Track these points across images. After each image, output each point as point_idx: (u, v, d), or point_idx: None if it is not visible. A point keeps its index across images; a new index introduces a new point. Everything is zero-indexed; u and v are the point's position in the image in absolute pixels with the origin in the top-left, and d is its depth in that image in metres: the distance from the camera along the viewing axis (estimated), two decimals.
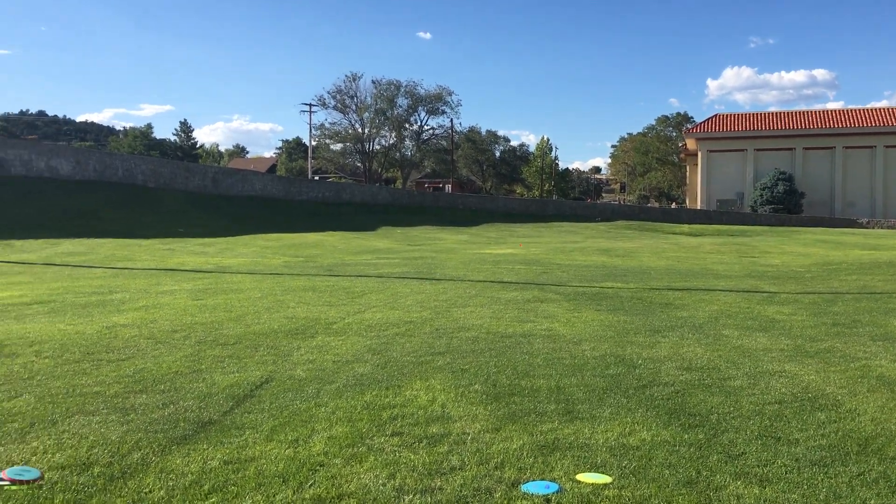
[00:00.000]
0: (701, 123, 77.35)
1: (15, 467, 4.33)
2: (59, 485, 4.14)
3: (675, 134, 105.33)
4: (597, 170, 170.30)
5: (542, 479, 4.24)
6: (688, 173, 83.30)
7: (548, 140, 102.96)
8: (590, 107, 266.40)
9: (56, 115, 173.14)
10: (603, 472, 4.36)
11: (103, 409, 5.70)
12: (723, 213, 64.94)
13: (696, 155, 74.91)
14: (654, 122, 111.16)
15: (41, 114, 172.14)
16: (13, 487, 4.08)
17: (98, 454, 4.65)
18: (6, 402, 5.85)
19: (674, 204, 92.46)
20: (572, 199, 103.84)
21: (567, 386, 6.47)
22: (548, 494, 4.01)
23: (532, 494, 4.01)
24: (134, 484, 4.17)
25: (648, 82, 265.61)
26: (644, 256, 25.33)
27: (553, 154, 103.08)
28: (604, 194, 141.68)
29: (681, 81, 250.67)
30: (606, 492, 4.06)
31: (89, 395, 6.08)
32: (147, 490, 4.08)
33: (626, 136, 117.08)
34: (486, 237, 42.28)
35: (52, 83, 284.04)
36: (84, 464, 4.47)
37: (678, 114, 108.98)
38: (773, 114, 75.63)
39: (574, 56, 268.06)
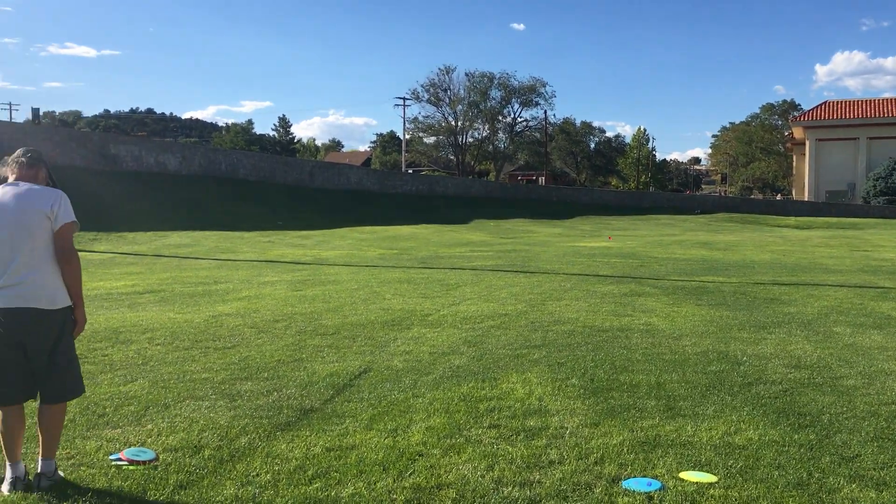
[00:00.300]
0: (809, 111, 74.12)
1: (132, 448, 4.54)
2: (173, 466, 4.32)
3: (780, 122, 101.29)
4: (696, 161, 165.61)
5: (644, 476, 4.16)
6: (794, 163, 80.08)
7: (644, 130, 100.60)
8: (689, 96, 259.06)
9: (163, 113, 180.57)
10: (707, 471, 4.24)
11: (212, 394, 5.92)
12: (832, 205, 62.17)
13: (804, 144, 71.86)
14: (758, 111, 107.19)
15: (150, 111, 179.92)
16: (131, 467, 4.28)
17: (208, 438, 4.83)
18: (123, 386, 6.15)
19: (779, 195, 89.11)
20: (670, 190, 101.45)
21: (667, 382, 6.33)
22: (650, 492, 3.93)
23: (633, 491, 3.94)
24: (242, 467, 4.32)
25: (752, 69, 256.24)
26: (747, 250, 24.52)
27: (650, 145, 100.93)
28: (703, 186, 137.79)
29: (787, 67, 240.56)
30: (712, 491, 3.95)
31: (198, 381, 6.32)
32: (254, 474, 4.22)
33: (727, 125, 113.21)
34: (581, 230, 41.80)
35: (160, 82, 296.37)
36: (195, 447, 4.66)
37: (784, 101, 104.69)
38: (888, 100, 71.71)
39: (672, 43, 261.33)
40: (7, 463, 4.02)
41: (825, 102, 73.36)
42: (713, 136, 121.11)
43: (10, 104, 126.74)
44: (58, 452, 4.51)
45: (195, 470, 4.27)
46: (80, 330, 4.21)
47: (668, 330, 8.88)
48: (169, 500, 3.87)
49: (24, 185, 4.09)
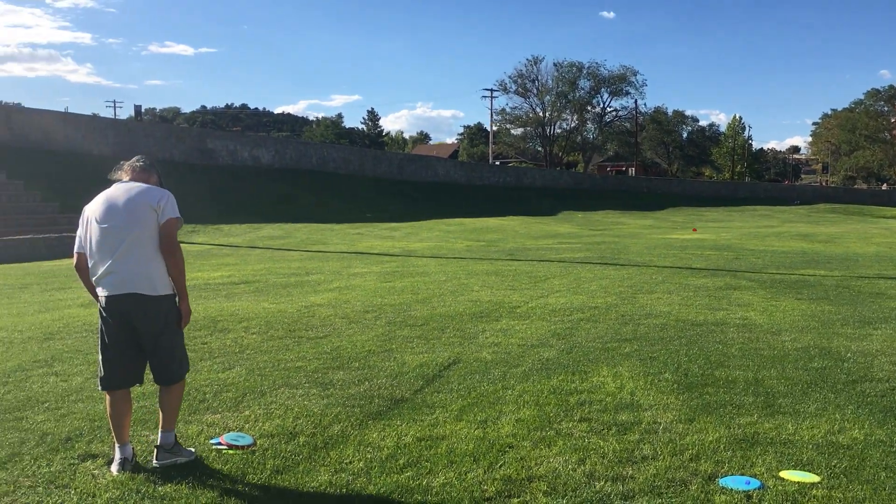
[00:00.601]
0: None
1: (231, 433, 4.69)
2: (270, 451, 4.44)
3: (886, 109, 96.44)
4: (795, 150, 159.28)
5: (742, 475, 4.04)
6: None
7: (740, 119, 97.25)
8: (787, 82, 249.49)
9: (257, 108, 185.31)
10: (810, 471, 4.09)
11: (305, 382, 6.05)
12: None
13: None
14: (862, 97, 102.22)
15: (244, 107, 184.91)
16: (230, 451, 4.43)
17: (302, 425, 4.95)
18: (221, 374, 6.37)
19: (885, 185, 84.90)
20: (767, 181, 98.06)
21: (766, 378, 6.13)
22: (749, 490, 3.81)
23: (731, 489, 3.83)
24: (335, 455, 4.40)
25: (855, 53, 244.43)
26: (850, 242, 23.51)
27: (746, 134, 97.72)
28: (802, 176, 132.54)
29: (893, 50, 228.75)
30: (814, 492, 3.80)
31: (292, 370, 6.48)
32: (347, 461, 4.29)
33: (829, 112, 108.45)
34: (672, 221, 40.90)
35: (254, 78, 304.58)
36: (290, 433, 4.77)
37: (891, 86, 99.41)
38: None
39: (769, 27, 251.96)
40: (116, 444, 4.20)
41: None
42: (814, 123, 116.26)
43: (114, 102, 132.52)
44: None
45: (290, 456, 4.38)
46: (186, 322, 4.37)
47: (766, 325, 8.60)
48: (266, 484, 3.98)
49: (134, 183, 4.34)
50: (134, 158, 4.56)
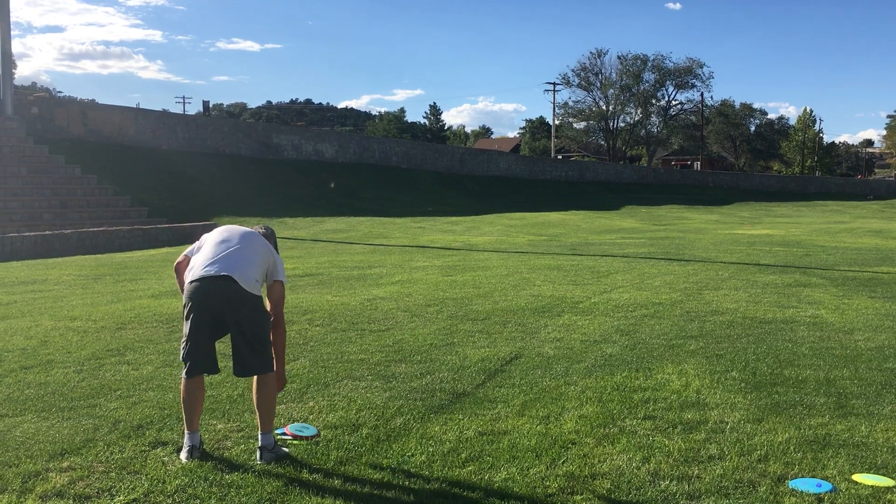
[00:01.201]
0: None
1: (296, 424, 4.77)
2: (333, 443, 4.50)
3: None
4: (868, 143, 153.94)
5: (813, 477, 3.93)
6: None
7: (811, 112, 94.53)
8: (860, 74, 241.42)
9: (321, 103, 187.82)
10: (884, 475, 3.95)
11: (368, 375, 6.11)
12: None
13: None
14: None
15: (308, 102, 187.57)
16: (294, 442, 4.50)
17: (365, 417, 4.99)
18: (286, 365, 6.46)
19: None
20: (838, 175, 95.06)
21: (838, 378, 5.95)
22: (820, 493, 3.70)
23: (801, 492, 3.73)
24: (398, 447, 4.43)
25: None
26: None
27: (816, 127, 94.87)
28: (877, 170, 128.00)
29: None
30: (889, 496, 3.68)
31: (355, 362, 6.55)
32: (409, 454, 4.32)
33: None
34: (739, 217, 39.98)
35: (318, 73, 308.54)
36: (353, 425, 4.83)
37: None
38: None
39: (842, 16, 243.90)
40: (186, 431, 4.31)
41: None
42: (888, 116, 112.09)
43: (183, 98, 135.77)
44: (228, 425, 4.81)
45: (354, 448, 4.42)
46: (281, 388, 4.56)
47: (838, 323, 8.34)
48: (330, 474, 4.03)
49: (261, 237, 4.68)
50: (259, 226, 4.91)
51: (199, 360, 4.31)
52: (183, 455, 4.23)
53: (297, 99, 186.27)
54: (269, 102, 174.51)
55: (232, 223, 4.49)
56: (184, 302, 4.33)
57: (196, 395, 4.33)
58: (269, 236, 4.77)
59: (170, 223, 22.65)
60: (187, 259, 4.50)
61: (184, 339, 4.33)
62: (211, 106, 61.47)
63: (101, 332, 7.94)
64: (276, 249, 4.71)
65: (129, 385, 5.81)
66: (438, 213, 33.39)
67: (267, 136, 39.70)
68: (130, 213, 23.58)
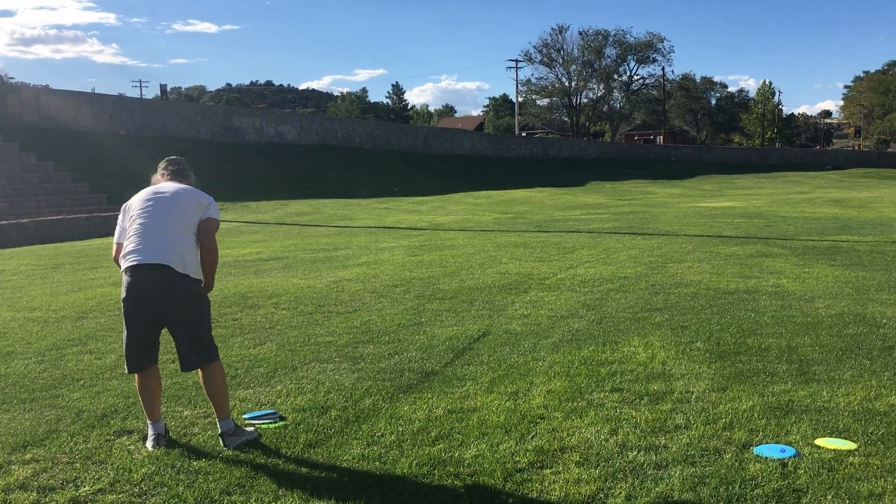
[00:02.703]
0: None
1: (251, 412, 4.73)
2: (302, 425, 4.47)
3: None
4: (826, 114, 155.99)
5: (777, 443, 3.99)
6: None
7: (770, 84, 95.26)
8: (817, 45, 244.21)
9: (281, 85, 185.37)
10: (846, 438, 4.03)
11: (336, 357, 6.08)
12: None
13: None
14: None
15: (268, 83, 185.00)
16: (263, 425, 4.47)
17: (334, 399, 4.97)
18: (252, 349, 6.41)
19: None
20: (798, 146, 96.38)
21: (800, 346, 6.05)
22: (784, 458, 3.76)
23: (766, 458, 3.79)
24: (367, 428, 4.42)
25: (887, 14, 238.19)
26: (884, 207, 23.08)
27: (776, 99, 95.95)
28: (834, 140, 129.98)
29: None
30: (851, 459, 3.75)
31: (323, 345, 6.51)
32: (379, 434, 4.31)
33: (861, 74, 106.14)
34: (701, 190, 40.42)
35: (278, 55, 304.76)
36: (322, 407, 4.80)
37: None
38: None
39: None
40: (148, 421, 4.25)
41: None
42: (846, 87, 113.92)
43: (140, 81, 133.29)
44: (195, 411, 4.76)
45: (323, 430, 4.40)
46: (208, 290, 4.38)
47: (799, 292, 8.48)
48: (300, 457, 4.01)
49: (179, 184, 4.45)
50: (166, 161, 4.60)
51: (141, 358, 4.22)
52: (149, 444, 4.17)
53: (257, 81, 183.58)
54: (229, 85, 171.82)
55: None
56: (122, 295, 4.21)
57: (150, 386, 4.25)
58: (181, 172, 4.56)
59: None
60: (120, 247, 4.28)
61: (124, 335, 4.22)
62: (169, 89, 60.41)
63: (62, 321, 7.81)
64: (195, 182, 4.57)
65: (92, 374, 5.72)
66: (404, 194, 33.27)
67: (227, 119, 39.18)
68: (90, 200, 23.16)
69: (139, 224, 4.22)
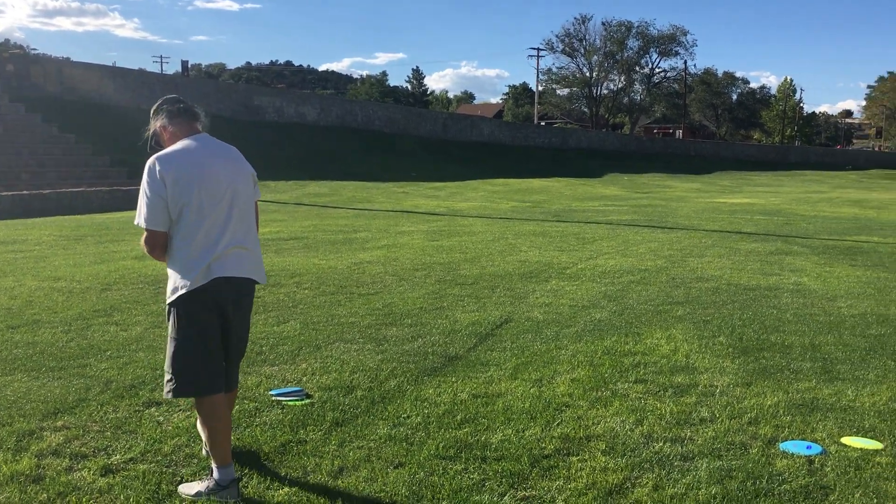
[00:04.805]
0: None
1: (277, 389, 4.77)
2: (329, 404, 4.51)
3: None
4: (847, 113, 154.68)
5: (803, 440, 4.00)
6: None
7: (791, 81, 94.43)
8: (841, 44, 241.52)
9: (301, 65, 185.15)
10: (872, 438, 4.03)
11: (359, 338, 6.12)
12: None
13: None
14: None
15: (288, 63, 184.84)
16: (290, 403, 4.50)
17: (359, 379, 5.00)
18: (276, 327, 6.46)
19: None
20: (818, 145, 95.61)
21: (823, 344, 6.04)
22: (811, 455, 3.77)
23: (793, 454, 3.79)
24: (393, 409, 4.45)
25: None
26: None
27: (797, 97, 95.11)
28: (855, 140, 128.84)
29: None
30: (878, 458, 3.75)
31: (346, 325, 6.55)
32: (405, 416, 4.34)
33: (885, 75, 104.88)
34: (720, 186, 40.19)
35: (298, 35, 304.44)
36: (348, 387, 4.83)
37: None
38: None
39: None
40: (215, 467, 3.36)
41: None
42: (868, 87, 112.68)
43: (161, 57, 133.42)
44: None
45: (349, 409, 4.43)
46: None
47: (821, 290, 8.44)
48: (327, 435, 4.04)
49: (217, 142, 3.59)
50: (183, 102, 3.61)
51: (221, 373, 3.45)
52: (232, 497, 3.31)
53: (277, 61, 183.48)
54: (249, 64, 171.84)
55: None
56: (182, 298, 3.30)
57: (228, 414, 3.52)
58: (192, 111, 3.57)
59: None
60: (166, 236, 3.36)
61: (189, 353, 3.32)
62: (189, 66, 60.41)
63: (86, 292, 7.88)
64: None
65: (119, 346, 5.78)
66: (421, 179, 33.25)
67: (248, 97, 39.22)
68: (110, 173, 23.27)
69: (218, 211, 3.37)
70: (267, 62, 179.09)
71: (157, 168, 3.29)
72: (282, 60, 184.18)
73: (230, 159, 3.56)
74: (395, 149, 41.56)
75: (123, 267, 9.52)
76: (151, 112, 3.59)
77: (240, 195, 3.49)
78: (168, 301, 3.38)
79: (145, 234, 3.37)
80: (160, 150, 3.45)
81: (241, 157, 3.66)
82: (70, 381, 4.88)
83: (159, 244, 3.37)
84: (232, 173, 3.49)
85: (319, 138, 38.55)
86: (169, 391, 3.38)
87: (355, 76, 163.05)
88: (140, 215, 3.31)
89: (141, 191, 3.32)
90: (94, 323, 6.52)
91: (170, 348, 3.37)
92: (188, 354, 3.32)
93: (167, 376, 3.39)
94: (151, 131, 3.57)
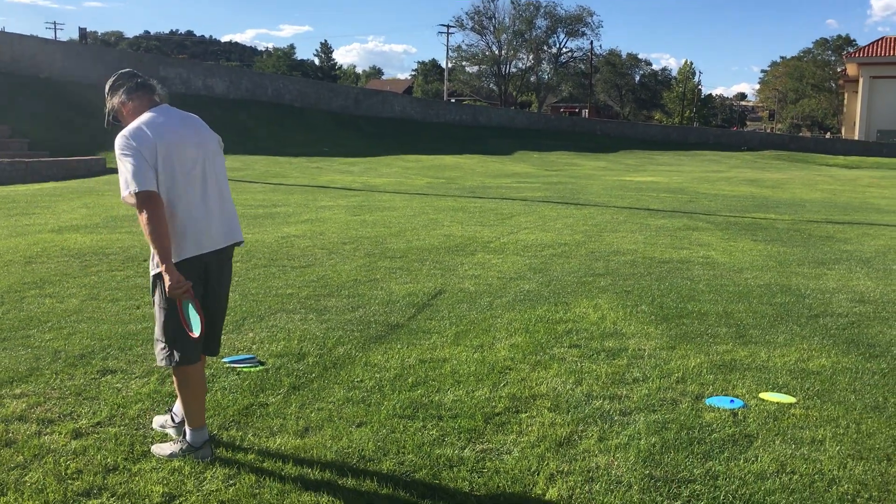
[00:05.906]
0: (865, 47, 71.66)
1: (230, 357, 4.89)
2: (283, 370, 4.66)
3: (833, 58, 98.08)
4: (742, 96, 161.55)
5: (726, 395, 4.41)
6: (845, 101, 77.86)
7: (690, 64, 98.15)
8: (737, 28, 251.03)
9: (203, 36, 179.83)
10: (786, 393, 4.47)
11: (300, 308, 6.25)
12: (883, 145, 60.64)
13: (857, 81, 69.72)
14: (811, 46, 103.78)
15: (189, 34, 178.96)
16: (245, 369, 4.63)
17: (308, 347, 5.16)
18: None
19: (828, 134, 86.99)
20: (714, 126, 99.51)
21: (735, 311, 6.53)
22: (734, 409, 4.17)
23: (718, 408, 4.19)
24: (345, 374, 4.64)
25: (803, 1, 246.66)
26: (795, 188, 24.28)
27: (696, 79, 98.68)
28: (748, 122, 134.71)
29: (841, 0, 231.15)
30: (793, 411, 4.19)
31: (285, 296, 6.66)
32: (358, 380, 4.54)
33: (777, 60, 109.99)
34: (625, 164, 41.46)
35: (199, 3, 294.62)
36: (298, 354, 4.99)
37: (839, 37, 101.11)
38: None
39: None
40: (188, 429, 3.50)
41: (882, 38, 70.85)
42: (762, 71, 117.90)
43: (54, 23, 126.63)
44: None
45: (304, 374, 4.60)
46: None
47: (728, 263, 9.03)
48: (286, 398, 4.20)
49: (180, 111, 3.63)
50: (139, 76, 3.63)
51: (198, 343, 3.46)
52: (205, 456, 3.45)
53: (177, 30, 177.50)
54: (147, 33, 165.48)
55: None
56: (176, 270, 3.27)
57: (204, 376, 3.61)
58: (149, 84, 3.64)
59: (53, 157, 21.54)
60: (158, 197, 3.25)
61: (179, 320, 3.33)
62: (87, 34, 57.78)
63: (10, 265, 7.70)
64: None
65: (58, 317, 5.74)
66: (334, 154, 33.07)
67: (153, 68, 37.92)
68: (10, 144, 22.26)
69: (199, 175, 3.46)
70: (167, 31, 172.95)
71: (130, 141, 3.30)
72: (182, 30, 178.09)
73: (195, 127, 3.59)
74: (306, 123, 41.11)
75: (43, 240, 9.29)
76: (107, 88, 3.57)
77: (211, 161, 3.55)
78: (153, 272, 3.39)
79: (142, 205, 3.19)
80: (120, 126, 3.44)
81: (205, 124, 3.69)
82: (17, 352, 4.86)
83: (160, 204, 3.24)
84: (200, 141, 3.53)
85: (229, 112, 37.73)
86: (164, 359, 3.40)
87: (260, 48, 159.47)
88: (127, 185, 3.21)
89: (120, 163, 3.27)
90: (27, 295, 6.42)
91: (160, 317, 3.41)
92: (179, 322, 3.34)
93: (160, 345, 3.42)
94: (109, 108, 3.54)
